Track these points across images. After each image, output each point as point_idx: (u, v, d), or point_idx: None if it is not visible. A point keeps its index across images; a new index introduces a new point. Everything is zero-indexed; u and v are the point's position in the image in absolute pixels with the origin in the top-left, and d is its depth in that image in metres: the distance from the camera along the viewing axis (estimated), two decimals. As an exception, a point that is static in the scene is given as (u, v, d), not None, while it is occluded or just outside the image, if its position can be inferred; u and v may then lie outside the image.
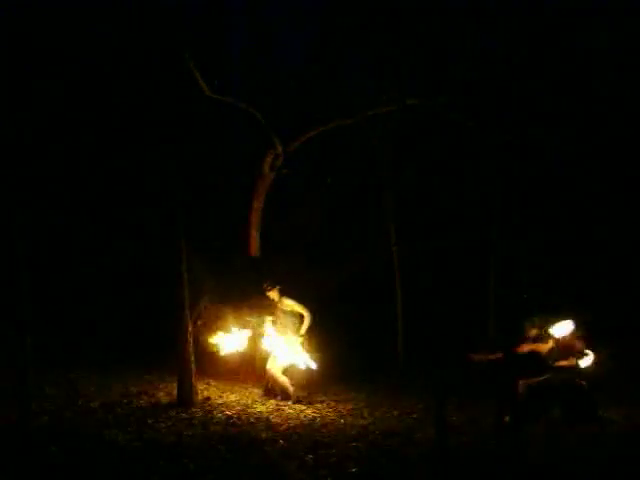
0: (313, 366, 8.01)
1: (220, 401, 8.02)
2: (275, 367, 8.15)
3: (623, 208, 10.54)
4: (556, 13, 9.14)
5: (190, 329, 7.83)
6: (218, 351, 8.17)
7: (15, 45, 7.56)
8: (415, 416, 7.45)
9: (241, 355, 8.47)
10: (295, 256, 10.49)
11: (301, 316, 8.23)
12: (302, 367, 8.07)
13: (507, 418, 6.38)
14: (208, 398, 8.02)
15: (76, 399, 7.87)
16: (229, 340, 8.13)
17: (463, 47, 8.32)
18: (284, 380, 8.09)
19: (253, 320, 8.21)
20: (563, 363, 6.85)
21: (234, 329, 8.15)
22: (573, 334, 6.92)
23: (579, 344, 6.93)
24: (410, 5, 8.78)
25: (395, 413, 7.64)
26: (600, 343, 7.09)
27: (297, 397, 8.09)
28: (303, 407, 7.85)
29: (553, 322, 6.86)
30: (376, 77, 9.59)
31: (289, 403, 7.92)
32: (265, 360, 8.33)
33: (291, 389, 8.08)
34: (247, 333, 8.20)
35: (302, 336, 8.12)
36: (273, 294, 8.28)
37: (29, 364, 6.45)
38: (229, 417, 7.36)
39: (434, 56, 9.05)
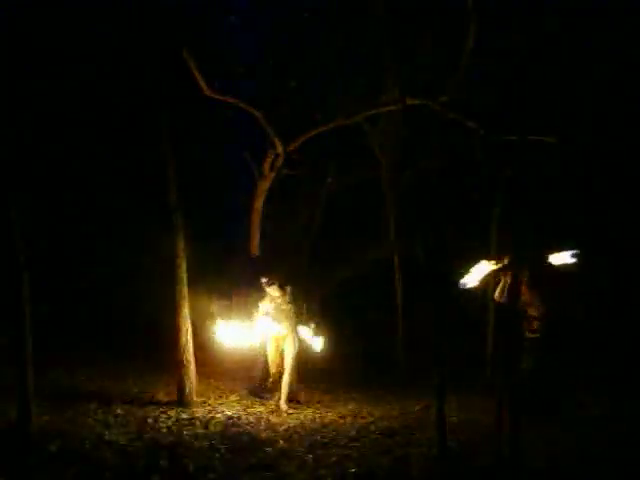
0: (318, 347, 7.67)
1: (220, 401, 8.02)
2: (289, 360, 7.77)
3: (625, 207, 10.53)
4: (556, 13, 9.13)
5: (190, 329, 7.84)
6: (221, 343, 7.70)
7: (14, 45, 7.56)
8: (415, 416, 7.45)
9: (241, 355, 8.42)
10: (295, 256, 10.49)
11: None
12: (312, 346, 7.71)
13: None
14: (208, 398, 8.02)
15: (76, 399, 7.87)
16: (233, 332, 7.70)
17: (463, 47, 8.31)
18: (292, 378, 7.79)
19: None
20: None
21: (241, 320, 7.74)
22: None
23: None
24: (411, 5, 8.79)
25: (395, 413, 7.64)
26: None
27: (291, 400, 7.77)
28: (303, 407, 7.85)
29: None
30: (376, 77, 9.58)
31: (283, 408, 7.65)
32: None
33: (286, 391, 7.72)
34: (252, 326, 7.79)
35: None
36: (273, 290, 7.84)
37: (29, 364, 6.45)
38: (229, 417, 7.36)
39: (434, 56, 9.04)
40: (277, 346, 7.91)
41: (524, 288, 6.98)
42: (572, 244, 6.43)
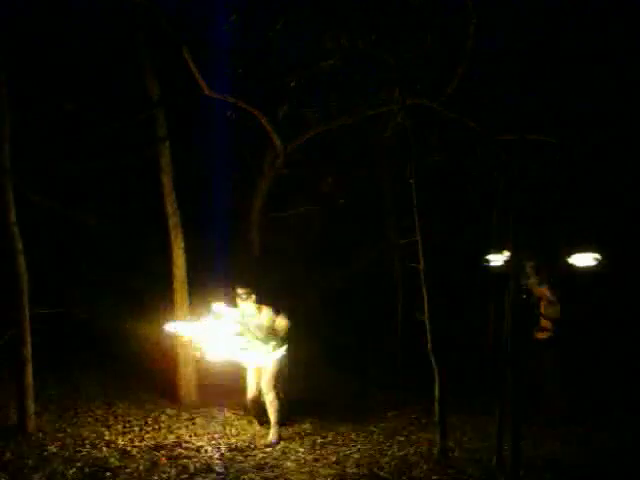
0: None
1: (220, 401, 8.02)
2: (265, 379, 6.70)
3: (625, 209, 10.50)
4: (557, 12, 9.12)
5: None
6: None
7: (13, 45, 7.55)
8: (415, 416, 7.45)
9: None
10: (295, 256, 10.48)
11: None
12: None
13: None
14: (208, 398, 8.02)
15: (76, 399, 7.88)
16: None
17: (464, 46, 8.29)
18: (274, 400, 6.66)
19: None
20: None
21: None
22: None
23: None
24: (411, 5, 8.77)
25: (395, 413, 7.64)
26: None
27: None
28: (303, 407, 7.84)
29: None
30: (377, 76, 9.57)
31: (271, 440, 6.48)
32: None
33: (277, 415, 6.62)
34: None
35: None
36: (248, 303, 6.71)
37: (29, 364, 6.46)
38: (229, 417, 7.37)
39: (435, 55, 9.03)
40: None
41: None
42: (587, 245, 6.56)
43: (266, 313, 6.71)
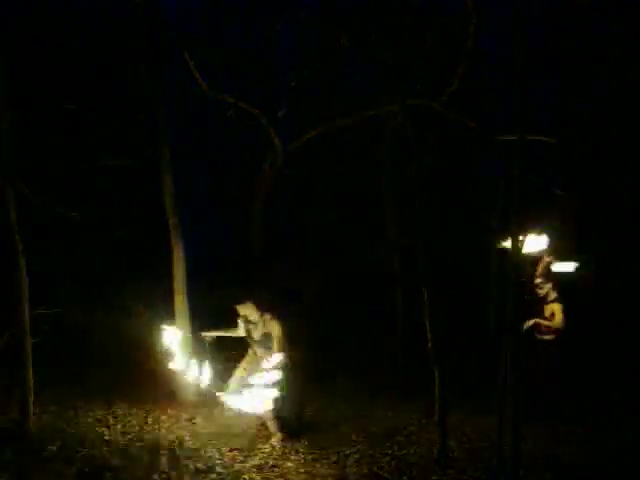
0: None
1: (220, 401, 8.00)
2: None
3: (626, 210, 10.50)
4: (557, 12, 9.13)
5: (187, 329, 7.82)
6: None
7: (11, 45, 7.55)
8: (415, 416, 7.44)
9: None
10: (296, 255, 10.49)
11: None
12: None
13: None
14: (208, 397, 8.01)
15: (76, 399, 7.88)
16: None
17: (464, 46, 8.30)
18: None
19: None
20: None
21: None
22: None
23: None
24: (411, 5, 8.78)
25: (395, 414, 7.63)
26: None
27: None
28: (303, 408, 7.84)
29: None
30: (377, 76, 9.58)
31: (274, 443, 6.29)
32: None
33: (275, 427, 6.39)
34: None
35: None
36: (248, 310, 6.33)
37: (29, 364, 6.45)
38: (230, 417, 7.36)
39: (435, 56, 9.04)
40: None
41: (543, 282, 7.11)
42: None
43: (271, 322, 6.25)
